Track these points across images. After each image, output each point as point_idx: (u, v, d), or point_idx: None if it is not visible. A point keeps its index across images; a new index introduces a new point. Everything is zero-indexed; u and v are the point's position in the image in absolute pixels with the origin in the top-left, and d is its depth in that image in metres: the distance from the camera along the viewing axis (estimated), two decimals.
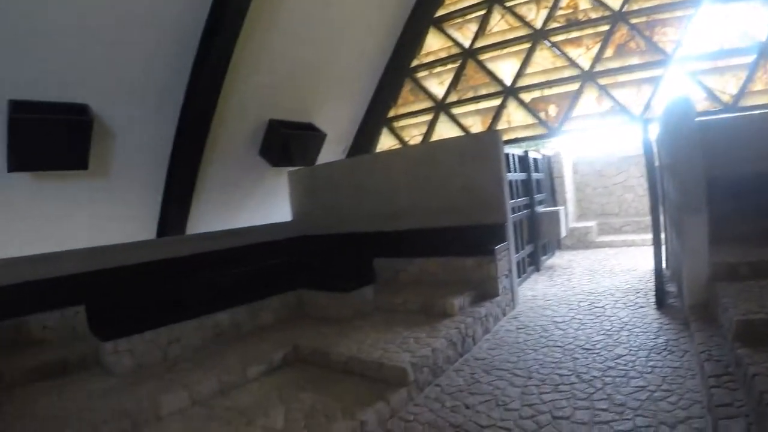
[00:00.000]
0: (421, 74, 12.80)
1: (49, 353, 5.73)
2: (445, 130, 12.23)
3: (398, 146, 13.03)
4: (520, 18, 11.30)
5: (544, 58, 11.05)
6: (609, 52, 10.40)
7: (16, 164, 7.20)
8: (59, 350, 5.82)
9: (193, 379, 4.97)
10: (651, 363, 4.77)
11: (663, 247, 7.55)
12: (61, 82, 7.39)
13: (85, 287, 6.63)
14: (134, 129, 8.34)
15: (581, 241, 12.65)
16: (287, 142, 10.47)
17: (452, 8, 12.25)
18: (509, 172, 8.58)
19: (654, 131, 7.68)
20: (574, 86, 10.63)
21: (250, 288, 6.98)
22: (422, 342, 5.40)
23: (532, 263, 10.12)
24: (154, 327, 5.68)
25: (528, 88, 11.16)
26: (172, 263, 7.79)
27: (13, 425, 4.12)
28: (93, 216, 8.57)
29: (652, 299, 6.82)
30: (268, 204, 11.46)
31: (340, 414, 4.21)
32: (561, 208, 10.85)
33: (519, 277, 8.57)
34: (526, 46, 11.20)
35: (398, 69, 12.82)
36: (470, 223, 7.53)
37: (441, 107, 12.34)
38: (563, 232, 10.76)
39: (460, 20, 12.24)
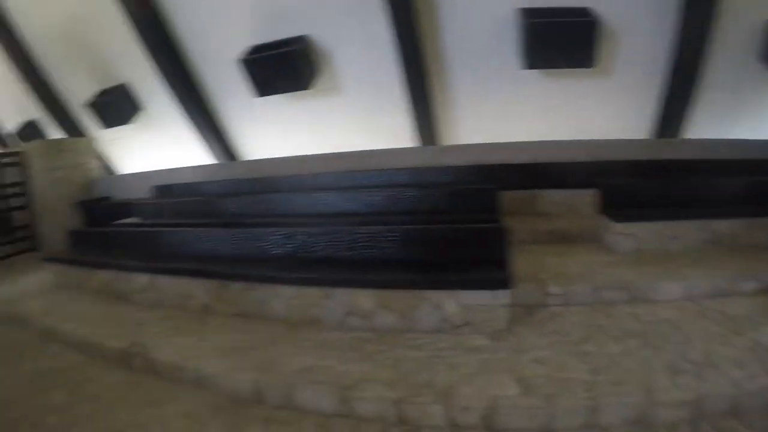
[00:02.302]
0: None
1: (554, 223, 6.77)
2: None
3: None
4: None
5: None
6: None
7: (530, 63, 8.07)
8: (563, 222, 6.73)
9: (686, 275, 5.09)
10: None
11: None
12: None
13: (594, 174, 7.34)
14: (638, 29, 8.31)
15: None
16: None
17: None
18: None
19: None
20: None
21: (748, 201, 6.49)
22: None
23: None
24: (660, 219, 5.96)
25: None
26: (672, 164, 7.79)
27: (526, 271, 5.03)
28: (595, 111, 9.10)
29: None
30: None
31: None
32: None
33: None
34: None
35: None
36: None
37: None
38: None
39: None
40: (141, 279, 6.22)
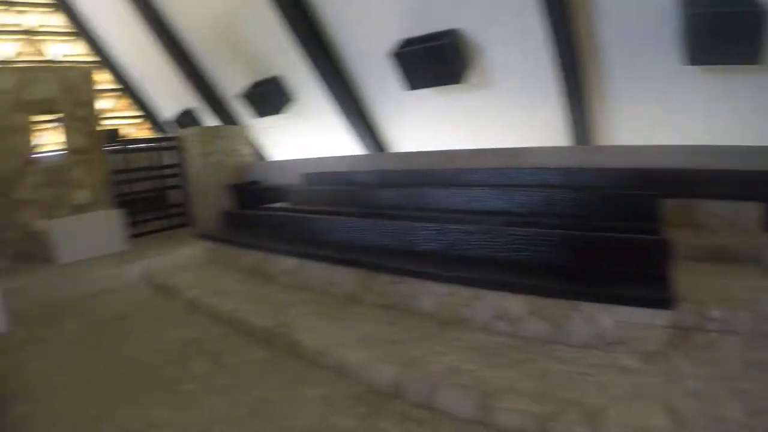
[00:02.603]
0: None
1: (713, 238, 6.31)
2: None
3: None
4: None
5: None
6: None
7: (692, 58, 7.49)
8: (723, 238, 6.28)
9: None
10: None
11: None
12: None
13: (762, 186, 6.67)
14: None
15: None
16: None
17: None
18: None
19: None
20: None
21: None
22: None
23: None
24: None
25: None
26: None
27: (683, 290, 4.55)
28: (764, 113, 8.33)
29: None
30: None
31: None
32: None
33: None
34: None
35: None
36: None
37: None
38: None
39: None
40: (289, 262, 6.68)
